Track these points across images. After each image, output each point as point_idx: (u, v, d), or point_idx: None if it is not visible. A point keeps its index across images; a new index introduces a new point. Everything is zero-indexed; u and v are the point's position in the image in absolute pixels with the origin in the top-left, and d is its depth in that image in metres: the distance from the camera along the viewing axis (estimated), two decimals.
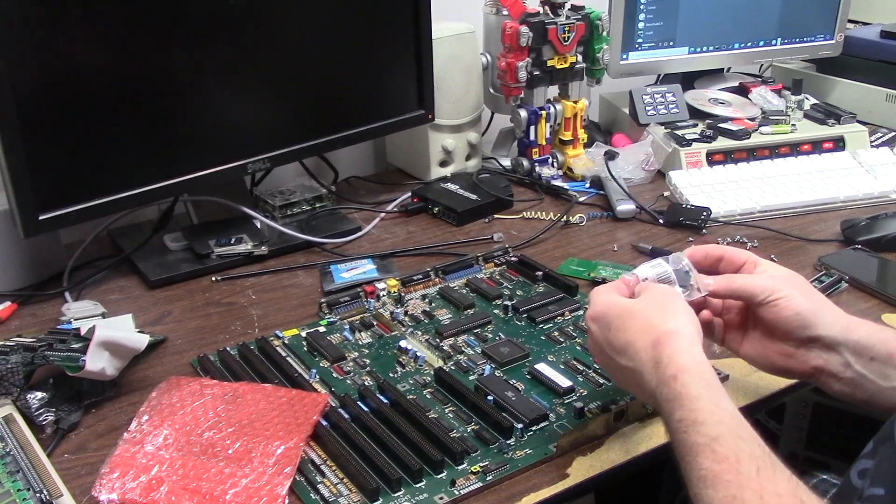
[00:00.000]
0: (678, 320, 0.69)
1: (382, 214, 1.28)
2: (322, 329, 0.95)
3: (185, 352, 0.94)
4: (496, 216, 1.28)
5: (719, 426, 0.61)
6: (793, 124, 1.45)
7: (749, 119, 1.46)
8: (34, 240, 1.02)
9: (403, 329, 0.95)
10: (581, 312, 0.98)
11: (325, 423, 0.78)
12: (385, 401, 0.81)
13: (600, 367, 0.80)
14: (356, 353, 0.91)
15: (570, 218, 1.25)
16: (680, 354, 0.66)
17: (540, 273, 1.05)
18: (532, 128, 1.40)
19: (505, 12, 1.36)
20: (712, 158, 1.38)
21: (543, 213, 1.27)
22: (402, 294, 1.02)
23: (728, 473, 0.58)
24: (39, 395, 0.80)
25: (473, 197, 1.29)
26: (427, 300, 1.02)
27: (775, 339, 0.76)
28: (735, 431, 0.60)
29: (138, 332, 0.94)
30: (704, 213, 1.21)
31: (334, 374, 0.87)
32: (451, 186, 1.33)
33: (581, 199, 1.33)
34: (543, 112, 1.39)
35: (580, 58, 1.40)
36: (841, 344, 0.73)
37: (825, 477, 0.97)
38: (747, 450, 0.59)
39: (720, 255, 0.79)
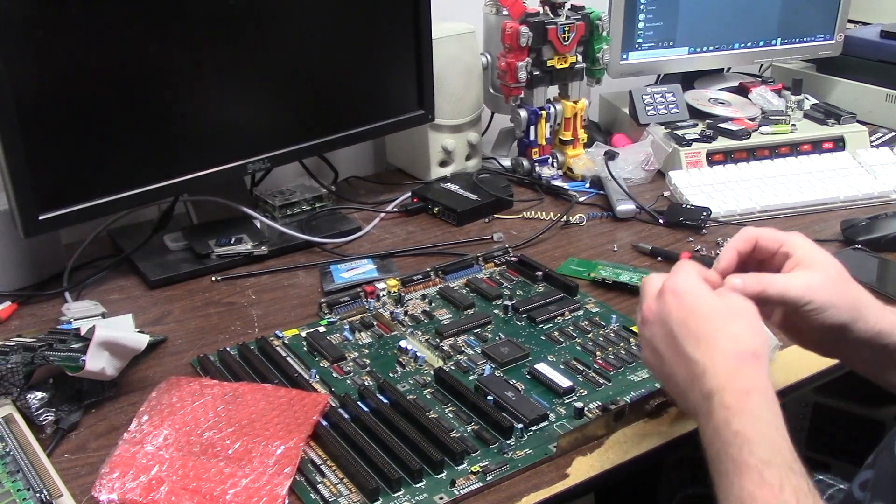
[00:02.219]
0: (763, 344, 0.67)
1: (382, 214, 1.28)
2: (322, 329, 0.95)
3: (185, 352, 0.94)
4: (496, 216, 1.28)
5: (774, 454, 0.60)
6: (793, 124, 1.45)
7: (749, 119, 1.46)
8: (34, 240, 1.02)
9: (403, 329, 0.95)
10: (581, 312, 0.98)
11: (325, 423, 0.78)
12: (385, 401, 0.81)
13: (643, 339, 0.73)
14: (356, 353, 0.91)
15: (570, 218, 1.25)
16: (760, 376, 0.65)
17: (540, 273, 1.05)
18: (532, 128, 1.40)
19: (505, 12, 1.36)
20: (712, 158, 1.38)
21: (543, 213, 1.27)
22: (402, 294, 1.02)
23: (768, 498, 0.57)
24: (39, 395, 0.80)
25: (473, 197, 1.29)
26: (427, 300, 1.02)
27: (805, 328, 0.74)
28: (788, 463, 0.59)
29: (138, 332, 0.94)
30: (704, 213, 1.21)
31: (334, 374, 0.87)
32: (451, 186, 1.33)
33: (581, 199, 1.33)
34: (543, 112, 1.39)
35: (580, 58, 1.40)
36: (871, 345, 0.73)
37: (821, 477, 0.97)
38: (794, 482, 0.58)
39: (754, 240, 0.75)
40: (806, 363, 0.90)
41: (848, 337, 0.72)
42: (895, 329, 0.72)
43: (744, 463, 0.59)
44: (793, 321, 0.75)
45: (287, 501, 0.69)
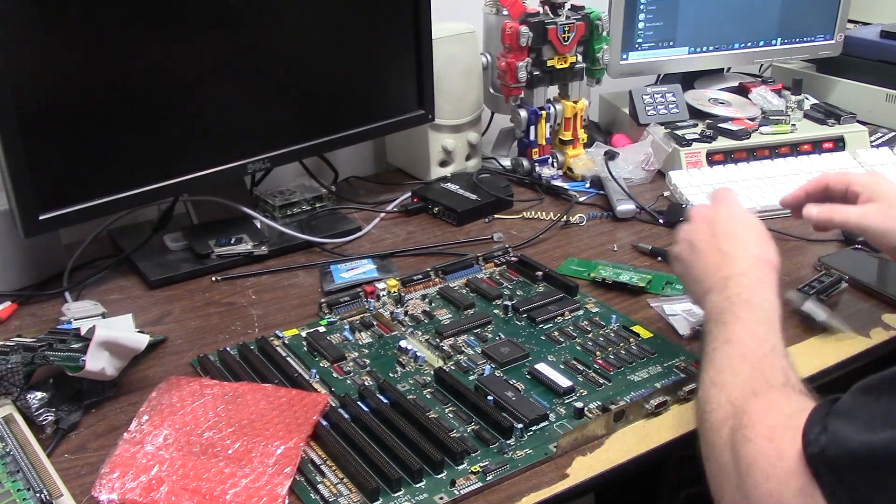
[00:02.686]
0: (779, 266, 0.81)
1: (382, 214, 1.28)
2: (322, 329, 0.95)
3: (185, 352, 0.94)
4: (496, 216, 1.28)
5: (769, 320, 0.73)
6: (793, 124, 1.45)
7: (749, 119, 1.46)
8: (34, 240, 1.02)
9: (403, 329, 0.95)
10: (581, 312, 0.98)
11: (325, 423, 0.78)
12: (385, 401, 0.81)
13: (682, 235, 0.87)
14: (356, 353, 0.91)
15: (570, 218, 1.25)
16: (773, 278, 0.79)
17: (540, 273, 1.05)
18: (532, 128, 1.40)
19: (505, 12, 1.36)
20: (712, 158, 1.38)
21: (543, 213, 1.27)
22: (402, 294, 1.02)
23: (750, 341, 0.71)
24: (39, 395, 0.80)
25: (473, 197, 1.29)
26: (427, 300, 1.02)
27: None
28: (776, 330, 0.73)
29: (138, 332, 0.94)
30: None
31: (334, 374, 0.87)
32: (451, 186, 1.33)
33: (581, 199, 1.33)
34: (543, 112, 1.39)
35: (580, 58, 1.40)
36: None
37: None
38: (773, 339, 0.71)
39: (825, 184, 0.93)
40: (806, 363, 0.90)
41: None
42: None
43: (742, 318, 0.73)
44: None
45: (287, 501, 0.69)
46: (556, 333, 0.94)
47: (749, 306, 0.74)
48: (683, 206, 1.26)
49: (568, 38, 1.36)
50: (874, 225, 0.86)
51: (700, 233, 0.84)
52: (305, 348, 0.92)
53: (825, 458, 0.57)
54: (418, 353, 0.89)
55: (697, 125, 1.45)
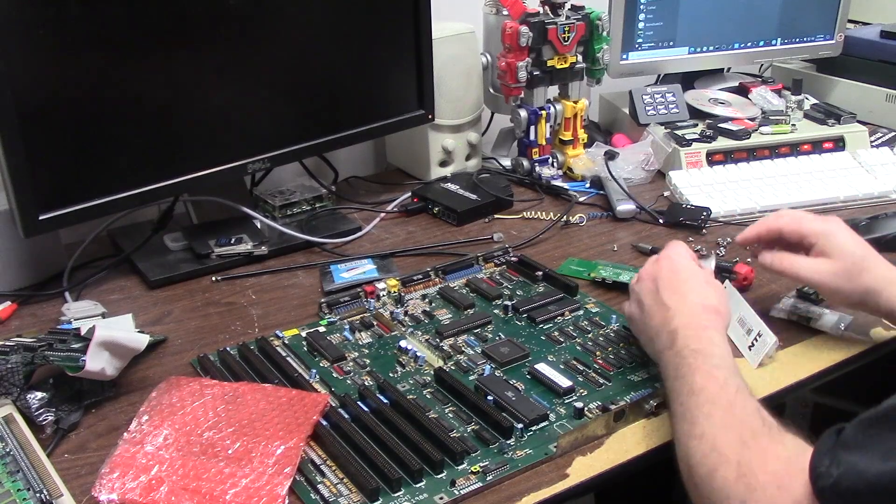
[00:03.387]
0: (726, 311, 0.82)
1: (382, 214, 1.28)
2: (322, 329, 0.95)
3: (185, 352, 0.94)
4: (496, 216, 1.28)
5: (723, 362, 0.74)
6: (793, 124, 1.45)
7: (749, 119, 1.46)
8: (34, 240, 1.02)
9: (403, 329, 0.95)
10: (581, 312, 0.98)
11: (325, 423, 0.78)
12: (385, 401, 0.81)
13: (633, 294, 0.88)
14: (356, 353, 0.91)
15: (570, 218, 1.25)
16: (719, 323, 0.80)
17: (540, 273, 1.05)
18: (532, 128, 1.40)
19: (505, 12, 1.36)
20: (712, 158, 1.38)
21: (543, 213, 1.27)
22: (402, 294, 1.02)
23: (713, 386, 0.71)
24: (39, 395, 0.80)
25: (473, 197, 1.29)
26: (427, 300, 1.02)
27: None
28: (734, 370, 0.73)
29: (138, 332, 0.94)
30: (704, 213, 1.21)
31: (334, 374, 0.87)
32: (451, 186, 1.33)
33: (581, 199, 1.33)
34: (543, 112, 1.39)
35: (580, 58, 1.40)
36: (890, 317, 0.88)
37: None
38: (735, 383, 0.71)
39: (778, 231, 0.92)
40: (806, 363, 0.90)
41: (866, 308, 0.88)
42: None
43: (698, 368, 0.73)
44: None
45: (287, 501, 0.69)
46: (556, 333, 0.94)
47: (700, 355, 0.74)
48: (683, 206, 1.26)
49: (568, 38, 1.36)
50: (825, 282, 0.87)
51: (646, 290, 0.85)
52: (305, 348, 0.92)
53: (840, 490, 0.58)
54: (418, 353, 0.89)
55: (697, 125, 1.45)
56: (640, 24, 1.47)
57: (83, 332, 0.85)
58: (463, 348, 0.91)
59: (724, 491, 0.65)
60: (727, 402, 0.69)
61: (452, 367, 0.88)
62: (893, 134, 1.54)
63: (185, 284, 1.09)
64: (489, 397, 0.82)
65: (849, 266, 0.85)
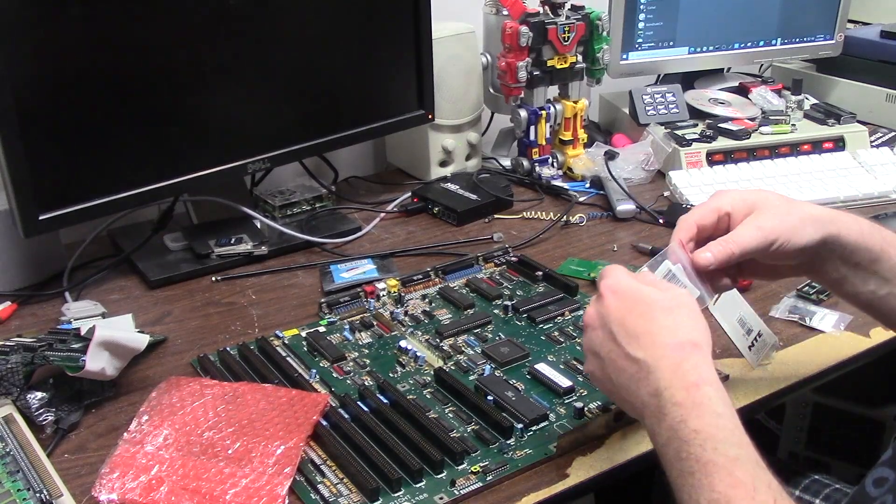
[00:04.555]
0: (704, 334, 0.66)
1: (382, 214, 1.28)
2: (322, 329, 0.95)
3: (185, 352, 0.94)
4: (496, 216, 1.28)
5: (739, 449, 0.58)
6: (793, 124, 1.45)
7: (749, 119, 1.46)
8: (34, 240, 1.02)
9: (403, 329, 0.95)
10: (581, 312, 0.98)
11: (325, 423, 0.78)
12: (385, 401, 0.81)
13: (585, 347, 0.71)
14: (356, 353, 0.91)
15: (570, 218, 1.25)
16: (705, 366, 0.63)
17: (540, 273, 1.05)
18: (532, 128, 1.40)
19: (505, 12, 1.36)
20: (712, 158, 1.38)
21: (543, 213, 1.27)
22: (402, 294, 1.02)
23: (743, 500, 0.55)
24: (39, 395, 0.80)
25: (473, 197, 1.29)
26: (427, 300, 1.02)
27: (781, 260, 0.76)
28: (754, 458, 0.58)
29: (138, 332, 0.94)
30: None
31: (334, 374, 0.87)
32: (451, 186, 1.33)
33: (581, 199, 1.33)
34: (543, 112, 1.39)
35: (580, 58, 1.40)
36: (833, 250, 0.75)
37: (817, 477, 0.97)
38: (765, 479, 0.57)
39: (694, 227, 0.75)
40: (806, 363, 0.90)
41: (818, 250, 0.74)
42: (850, 230, 0.74)
43: (710, 462, 0.57)
44: (768, 260, 0.76)
45: (287, 501, 0.69)
46: (556, 333, 0.94)
47: (707, 440, 0.59)
48: (683, 206, 1.26)
49: (568, 38, 1.36)
50: (776, 233, 0.72)
51: (599, 341, 0.68)
52: (305, 348, 0.92)
53: None
54: (418, 353, 0.89)
55: (697, 125, 1.45)
56: (640, 24, 1.47)
57: (83, 332, 0.85)
58: (463, 348, 0.91)
59: None
60: None
61: (452, 367, 0.88)
62: (893, 134, 1.54)
63: (185, 284, 1.09)
64: (489, 397, 0.82)
65: (776, 204, 0.74)
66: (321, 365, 0.89)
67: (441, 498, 0.71)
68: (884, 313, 0.78)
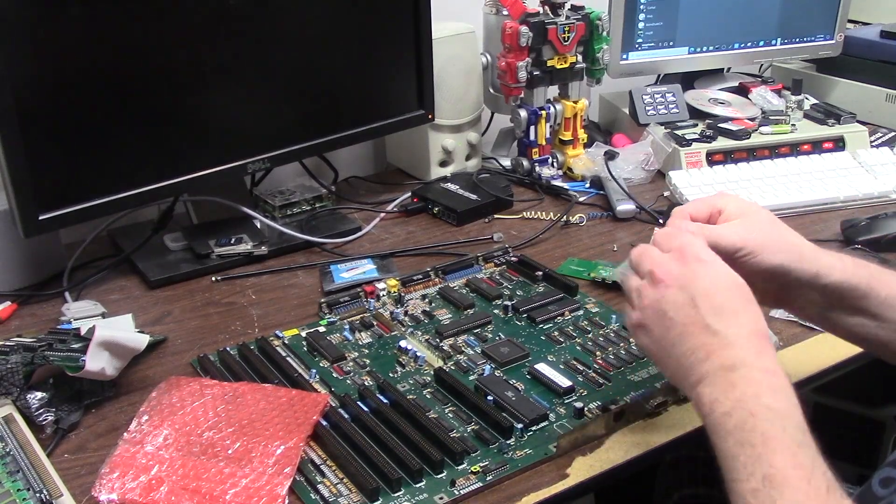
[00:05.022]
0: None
1: (382, 214, 1.28)
2: (322, 329, 0.95)
3: (185, 352, 0.94)
4: (496, 216, 1.28)
5: (804, 436, 0.59)
6: (793, 124, 1.45)
7: (749, 119, 1.46)
8: (34, 240, 1.02)
9: (403, 329, 0.95)
10: (581, 312, 0.98)
11: (325, 423, 0.78)
12: (385, 401, 0.81)
13: (653, 298, 0.69)
14: (356, 353, 0.91)
15: (570, 218, 1.25)
16: (777, 361, 0.64)
17: (540, 273, 1.05)
18: (532, 128, 1.40)
19: (505, 12, 1.36)
20: (712, 158, 1.38)
21: (543, 213, 1.27)
22: (402, 294, 1.02)
23: (800, 481, 0.56)
24: (39, 395, 0.80)
25: (473, 197, 1.29)
26: (427, 300, 1.02)
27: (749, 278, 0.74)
28: (815, 448, 0.59)
29: (138, 332, 0.94)
30: None
31: (334, 374, 0.87)
32: (451, 186, 1.33)
33: (581, 199, 1.33)
34: (543, 112, 1.39)
35: (580, 58, 1.40)
36: (811, 286, 0.74)
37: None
38: (822, 468, 0.57)
39: (687, 216, 0.76)
40: (806, 363, 0.90)
41: (789, 280, 0.73)
42: (832, 270, 0.73)
43: (775, 438, 0.58)
44: (738, 272, 0.74)
45: (287, 501, 0.69)
46: (556, 333, 0.94)
47: (775, 417, 0.59)
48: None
49: (568, 38, 1.36)
50: (749, 239, 0.72)
51: (675, 301, 0.67)
52: (305, 348, 0.92)
53: None
54: (418, 353, 0.89)
55: (697, 125, 1.45)
56: (640, 24, 1.47)
57: (83, 332, 0.85)
58: (463, 348, 0.91)
59: None
60: None
61: (452, 367, 0.88)
62: (893, 134, 1.54)
63: (185, 284, 1.09)
64: (489, 397, 0.82)
65: (763, 220, 0.74)
66: (321, 365, 0.89)
67: (441, 498, 0.71)
68: (872, 345, 0.77)
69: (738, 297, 0.67)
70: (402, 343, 0.92)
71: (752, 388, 0.61)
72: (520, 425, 0.78)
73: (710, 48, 1.55)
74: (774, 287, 0.75)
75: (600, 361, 0.89)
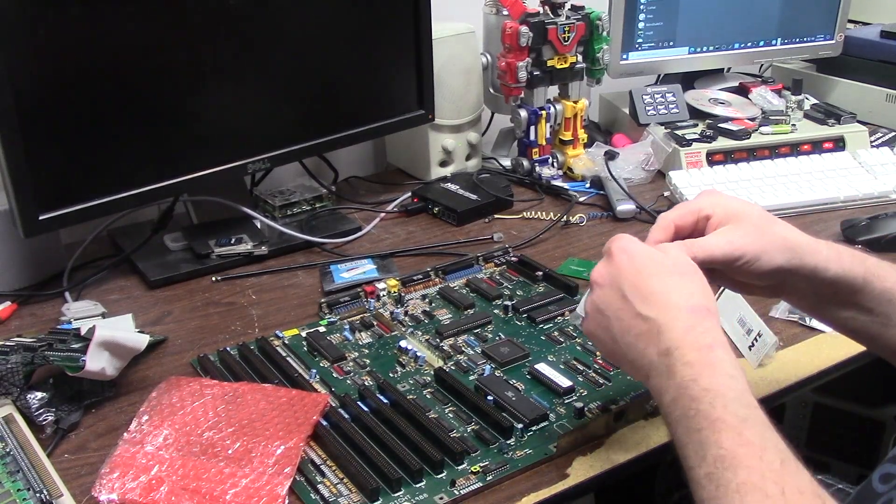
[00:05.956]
0: (714, 303, 0.66)
1: (382, 214, 1.28)
2: (322, 329, 0.95)
3: (185, 352, 0.94)
4: (496, 216, 1.28)
5: (749, 410, 0.58)
6: (793, 124, 1.45)
7: (749, 119, 1.46)
8: (34, 240, 1.02)
9: (403, 329, 0.95)
10: None
11: (325, 423, 0.78)
12: (385, 401, 0.81)
13: (591, 304, 0.70)
14: (356, 353, 0.91)
15: (570, 218, 1.25)
16: (717, 331, 0.63)
17: (540, 273, 1.05)
18: (532, 128, 1.40)
19: (505, 12, 1.36)
20: (712, 158, 1.38)
21: (543, 213, 1.27)
22: (402, 294, 1.02)
23: (751, 459, 0.55)
24: (39, 395, 0.80)
25: (473, 197, 1.29)
26: (427, 300, 1.01)
27: (747, 278, 0.74)
28: (763, 420, 0.58)
29: (138, 332, 0.94)
30: None
31: (334, 374, 0.87)
32: (451, 186, 1.33)
33: (581, 199, 1.33)
34: (543, 112, 1.39)
35: (580, 58, 1.40)
36: (810, 280, 0.73)
37: (818, 477, 0.97)
38: (773, 440, 0.57)
39: (672, 226, 0.75)
40: (806, 363, 0.90)
41: (788, 277, 0.72)
42: (829, 263, 0.72)
43: (719, 419, 0.57)
44: (733, 275, 0.74)
45: (287, 501, 0.69)
46: (556, 333, 0.94)
47: (717, 397, 0.59)
48: None
49: (568, 38, 1.36)
50: (746, 250, 0.70)
51: (606, 298, 0.68)
52: (305, 348, 0.92)
53: None
54: (418, 353, 0.89)
55: (697, 125, 1.45)
56: (640, 24, 1.47)
57: (83, 332, 0.85)
58: (463, 348, 0.91)
59: None
60: (776, 486, 0.54)
61: (452, 367, 0.88)
62: (893, 134, 1.54)
63: (185, 284, 1.09)
64: (489, 397, 0.82)
65: (756, 221, 0.72)
66: (321, 365, 0.89)
67: (441, 498, 0.71)
68: (861, 337, 0.77)
69: (667, 278, 0.66)
70: (403, 343, 0.92)
71: (689, 372, 0.61)
72: (520, 425, 0.78)
73: (710, 48, 1.55)
74: (770, 283, 0.74)
75: (600, 361, 0.88)
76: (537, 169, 1.40)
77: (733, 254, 0.70)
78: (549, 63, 1.38)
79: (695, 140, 1.39)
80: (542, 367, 0.87)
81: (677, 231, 0.75)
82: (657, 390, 0.63)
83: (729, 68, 1.67)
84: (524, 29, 1.32)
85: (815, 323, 0.96)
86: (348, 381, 0.86)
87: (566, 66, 1.39)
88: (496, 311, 0.99)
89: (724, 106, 1.51)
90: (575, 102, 1.41)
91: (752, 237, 0.71)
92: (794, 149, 1.42)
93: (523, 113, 1.39)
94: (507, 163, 1.46)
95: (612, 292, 0.67)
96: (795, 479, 0.54)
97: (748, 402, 0.59)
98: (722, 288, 0.95)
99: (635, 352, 0.65)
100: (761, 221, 0.72)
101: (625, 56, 1.48)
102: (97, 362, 0.81)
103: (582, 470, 0.75)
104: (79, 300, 1.04)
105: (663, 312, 0.64)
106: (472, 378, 0.86)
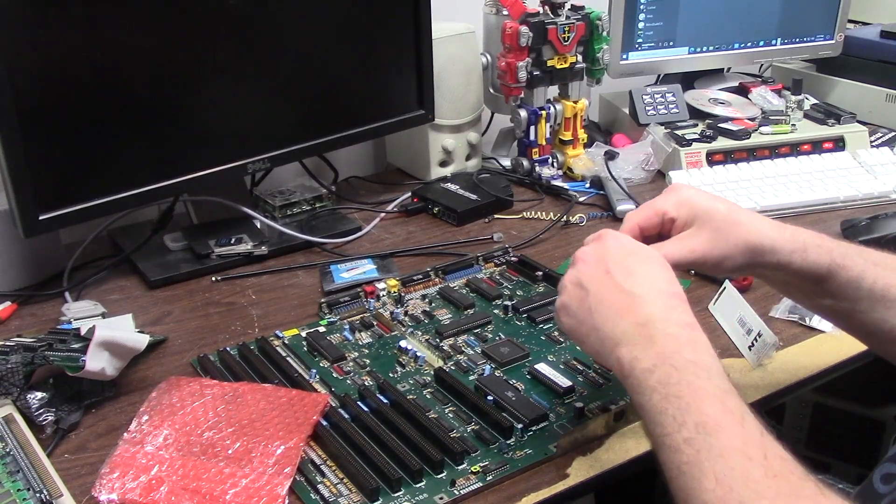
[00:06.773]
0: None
1: (382, 214, 1.28)
2: (322, 329, 0.95)
3: (185, 352, 0.94)
4: (496, 216, 1.28)
5: (729, 386, 0.60)
6: (793, 124, 1.45)
7: (749, 119, 1.46)
8: (34, 240, 1.02)
9: (403, 329, 0.95)
10: None
11: (325, 423, 0.78)
12: (385, 401, 0.81)
13: (568, 279, 0.71)
14: (356, 353, 0.91)
15: (570, 218, 1.25)
16: (694, 318, 0.65)
17: (540, 273, 1.05)
18: (532, 128, 1.40)
19: (505, 12, 1.36)
20: (712, 158, 1.38)
21: (543, 213, 1.27)
22: (402, 294, 1.02)
23: (734, 425, 0.56)
24: (39, 395, 0.80)
25: (473, 197, 1.29)
26: (427, 300, 1.02)
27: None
28: (741, 398, 0.59)
29: (138, 332, 0.94)
30: None
31: (334, 374, 0.87)
32: (451, 186, 1.33)
33: (581, 199, 1.33)
34: (543, 112, 1.39)
35: (580, 58, 1.40)
36: (780, 270, 0.74)
37: (821, 477, 0.97)
38: (752, 415, 0.58)
39: (636, 228, 0.77)
40: (806, 363, 0.90)
41: (754, 271, 0.76)
42: (792, 257, 0.73)
43: (702, 389, 0.59)
44: (701, 270, 0.79)
45: (287, 501, 0.69)
46: (556, 333, 0.94)
47: (698, 369, 0.60)
48: None
49: (568, 38, 1.36)
50: (707, 256, 0.73)
51: (590, 273, 0.69)
52: (305, 348, 0.92)
53: None
54: (418, 353, 0.89)
55: (697, 125, 1.45)
56: (640, 24, 1.47)
57: (83, 332, 0.85)
58: (463, 348, 0.91)
59: None
60: (757, 455, 0.55)
61: (452, 367, 0.88)
62: (893, 134, 1.54)
63: (185, 284, 1.09)
64: (489, 397, 0.82)
65: (718, 223, 0.73)
66: (321, 365, 0.89)
67: (441, 498, 0.71)
68: (834, 319, 0.78)
69: (650, 265, 0.68)
70: (402, 343, 0.92)
71: (672, 343, 0.62)
72: (520, 425, 0.78)
73: (710, 48, 1.55)
74: (741, 274, 0.79)
75: None
76: (537, 169, 1.40)
77: (695, 260, 0.73)
78: (549, 63, 1.38)
79: (695, 140, 1.39)
80: (542, 367, 0.87)
81: (643, 231, 0.77)
82: (629, 359, 0.63)
83: (729, 68, 1.67)
84: (524, 29, 1.32)
85: (815, 323, 0.96)
86: (348, 381, 0.86)
87: (566, 66, 1.39)
88: (496, 311, 0.99)
89: (724, 106, 1.51)
90: (575, 102, 1.41)
91: (712, 243, 0.73)
92: (794, 149, 1.42)
93: (523, 113, 1.39)
94: (507, 163, 1.46)
95: (597, 268, 0.69)
96: (775, 448, 0.56)
97: (728, 379, 0.61)
98: (722, 288, 0.95)
99: (610, 323, 0.66)
100: (724, 224, 0.73)
101: (625, 56, 1.48)
102: (97, 362, 0.81)
103: (582, 470, 0.75)
104: (79, 300, 1.04)
105: (647, 290, 0.66)
106: (472, 378, 0.86)
